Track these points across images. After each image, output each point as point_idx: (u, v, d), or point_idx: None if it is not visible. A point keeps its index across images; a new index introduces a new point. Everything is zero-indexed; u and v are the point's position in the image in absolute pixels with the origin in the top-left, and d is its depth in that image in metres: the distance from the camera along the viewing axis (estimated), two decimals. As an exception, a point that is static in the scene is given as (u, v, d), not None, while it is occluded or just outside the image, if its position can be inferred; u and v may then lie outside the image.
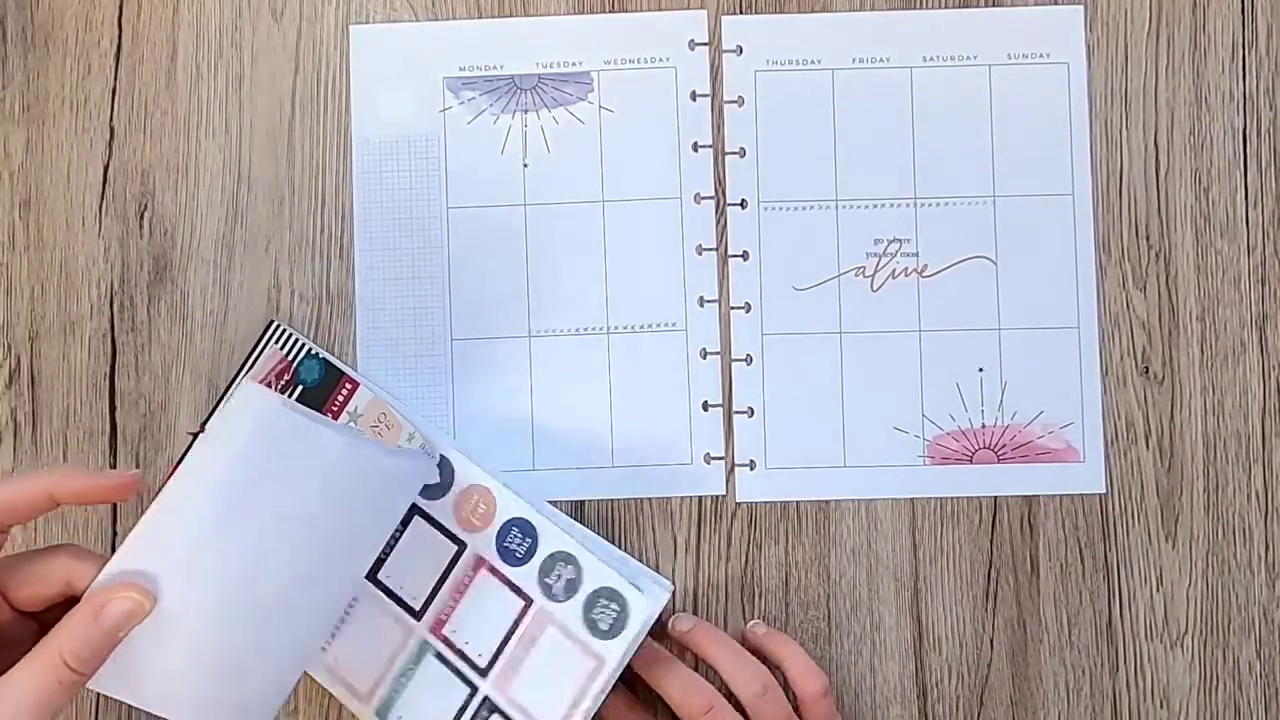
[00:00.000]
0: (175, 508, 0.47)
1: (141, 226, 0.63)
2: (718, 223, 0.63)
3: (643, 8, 0.63)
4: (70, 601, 0.46)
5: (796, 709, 0.58)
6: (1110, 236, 0.63)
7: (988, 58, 0.63)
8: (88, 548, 0.51)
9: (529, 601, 0.57)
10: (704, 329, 0.63)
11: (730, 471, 0.62)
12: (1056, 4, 0.63)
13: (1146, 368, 0.62)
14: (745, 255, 0.63)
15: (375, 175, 0.63)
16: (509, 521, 0.58)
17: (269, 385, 0.60)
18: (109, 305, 0.62)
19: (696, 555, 0.62)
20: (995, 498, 0.62)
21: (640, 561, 0.61)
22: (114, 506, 0.61)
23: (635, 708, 0.58)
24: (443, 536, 0.58)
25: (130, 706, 0.60)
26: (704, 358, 0.62)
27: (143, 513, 0.47)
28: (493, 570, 0.58)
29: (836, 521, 0.62)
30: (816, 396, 0.62)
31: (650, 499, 0.62)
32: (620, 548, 0.61)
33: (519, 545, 0.58)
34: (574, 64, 0.63)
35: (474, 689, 0.57)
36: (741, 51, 0.63)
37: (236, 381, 0.61)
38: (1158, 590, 0.61)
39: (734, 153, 0.63)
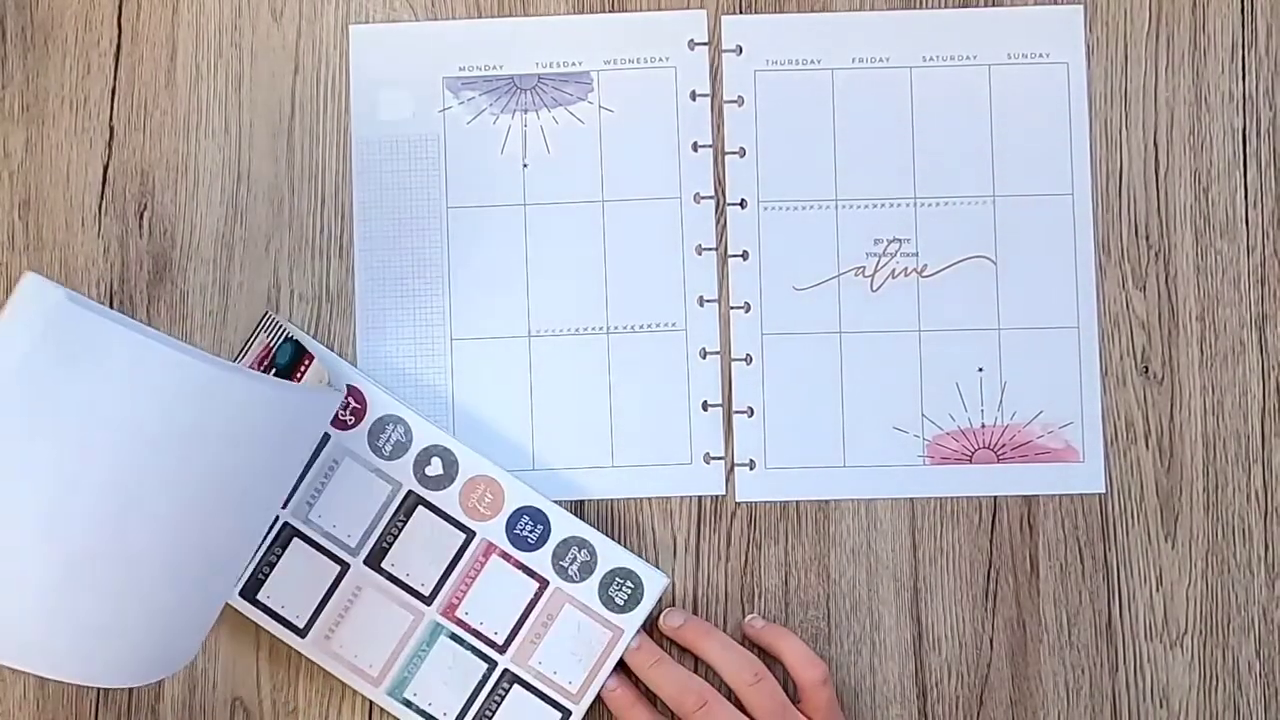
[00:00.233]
0: None
1: (141, 226, 0.63)
2: (717, 222, 0.63)
3: (643, 8, 0.63)
4: None
5: (796, 701, 0.58)
6: (1110, 236, 0.63)
7: (988, 58, 0.63)
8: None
9: (544, 583, 0.59)
10: (704, 329, 0.63)
11: (730, 471, 0.62)
12: (1056, 4, 0.63)
13: (1146, 368, 0.62)
14: (745, 255, 0.63)
15: (375, 175, 0.63)
16: (519, 510, 0.59)
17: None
18: (109, 305, 0.62)
19: (696, 555, 0.62)
20: (995, 498, 0.62)
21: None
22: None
23: (641, 702, 0.58)
24: (450, 525, 0.59)
25: (129, 703, 0.60)
26: (704, 358, 0.63)
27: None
28: (504, 556, 0.59)
29: (836, 521, 0.62)
30: (816, 396, 0.62)
31: (650, 499, 0.62)
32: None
33: (530, 532, 0.59)
34: (574, 64, 0.63)
35: (493, 664, 0.59)
36: (741, 51, 0.63)
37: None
38: (1157, 590, 0.61)
39: (734, 153, 0.63)
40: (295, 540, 0.59)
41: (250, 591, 0.59)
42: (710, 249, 0.63)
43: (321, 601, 0.59)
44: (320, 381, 0.59)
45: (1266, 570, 0.61)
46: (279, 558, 0.59)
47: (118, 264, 0.62)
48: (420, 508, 0.59)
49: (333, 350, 0.61)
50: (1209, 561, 0.61)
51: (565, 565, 0.59)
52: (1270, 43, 0.63)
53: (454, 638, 0.59)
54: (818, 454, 0.62)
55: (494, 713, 0.58)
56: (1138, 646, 0.61)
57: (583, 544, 0.59)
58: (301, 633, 0.59)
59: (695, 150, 0.63)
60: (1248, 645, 0.61)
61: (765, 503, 0.62)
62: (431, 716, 0.58)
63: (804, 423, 0.62)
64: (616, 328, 0.63)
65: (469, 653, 0.59)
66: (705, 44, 0.63)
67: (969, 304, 0.63)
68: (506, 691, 0.58)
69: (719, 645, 0.58)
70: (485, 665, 0.58)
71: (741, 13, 0.63)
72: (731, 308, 0.63)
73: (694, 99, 0.63)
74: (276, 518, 0.59)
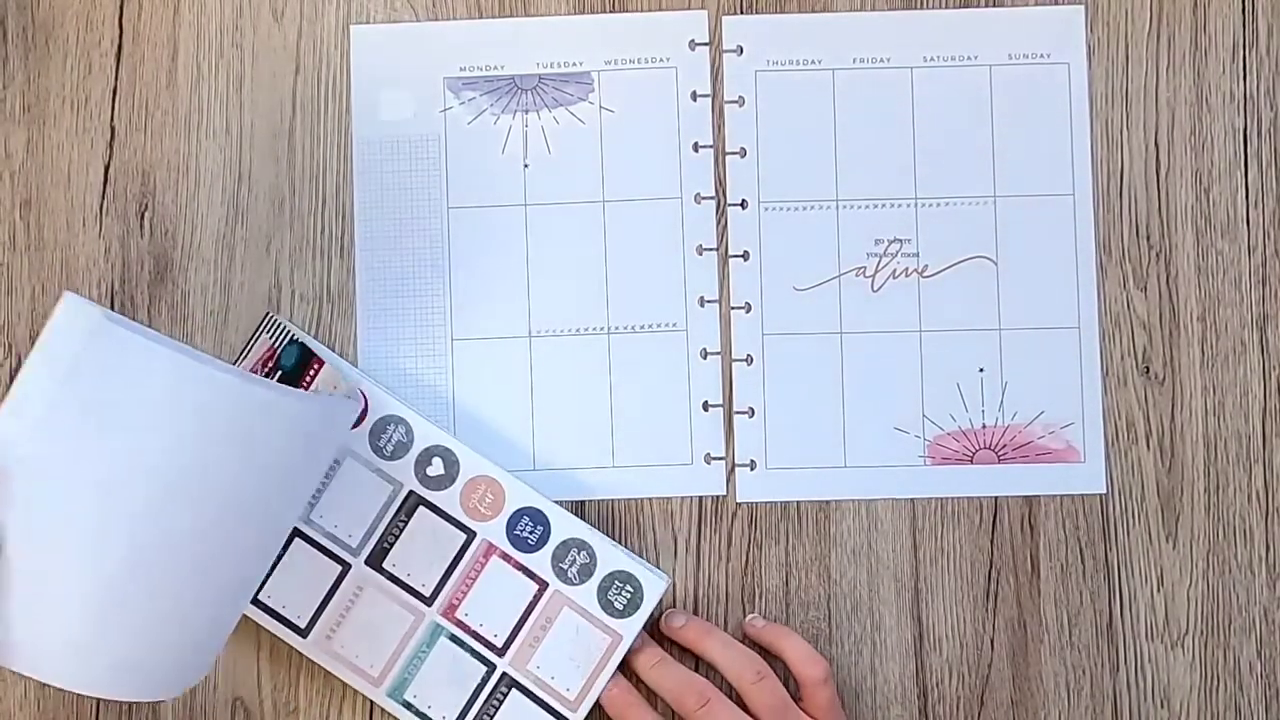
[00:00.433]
0: None
1: (142, 226, 0.63)
2: (718, 223, 0.63)
3: (643, 8, 0.64)
4: None
5: (798, 699, 0.58)
6: (1110, 236, 0.63)
7: (988, 58, 0.63)
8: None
9: (544, 585, 0.59)
10: (704, 329, 0.63)
11: (730, 471, 0.62)
12: (1056, 4, 0.63)
13: (1147, 368, 0.62)
14: (745, 255, 0.63)
15: (375, 175, 0.63)
16: (519, 511, 0.59)
17: (255, 374, 0.60)
18: (109, 305, 0.62)
19: (697, 555, 0.62)
20: (995, 498, 0.62)
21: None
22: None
23: (639, 702, 0.58)
24: (450, 525, 0.59)
25: (131, 705, 0.60)
26: (704, 358, 0.62)
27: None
28: (504, 556, 0.59)
29: (837, 521, 0.62)
30: (817, 396, 0.62)
31: (650, 499, 0.62)
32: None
33: (530, 533, 0.59)
34: (574, 64, 0.63)
35: (491, 666, 0.58)
36: (742, 51, 0.63)
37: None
38: (1158, 590, 0.61)
39: (734, 153, 0.63)
40: (296, 540, 0.59)
41: None
42: (711, 249, 0.63)
43: (323, 602, 0.59)
44: (334, 388, 0.58)
45: (1267, 570, 0.61)
46: (280, 558, 0.59)
47: (119, 264, 0.62)
48: (421, 508, 0.59)
49: (333, 350, 0.61)
50: (1210, 562, 0.61)
51: (565, 567, 0.59)
52: (1271, 43, 0.63)
53: (454, 639, 0.59)
54: (818, 454, 0.62)
55: (491, 717, 0.58)
56: (1138, 647, 0.61)
57: (582, 546, 0.59)
58: (303, 633, 0.59)
59: (696, 150, 0.63)
60: (1249, 646, 0.61)
61: (766, 503, 0.62)
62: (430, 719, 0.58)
63: (805, 423, 0.62)
64: (617, 328, 0.63)
65: (468, 655, 0.59)
66: (706, 44, 0.64)
67: (970, 304, 0.63)
68: (504, 696, 0.58)
69: (721, 644, 0.59)
70: (484, 668, 0.58)
71: (742, 13, 0.64)
72: (732, 308, 0.63)
73: (695, 99, 0.63)
74: None
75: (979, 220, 0.63)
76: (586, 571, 0.59)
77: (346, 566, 0.59)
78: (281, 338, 0.60)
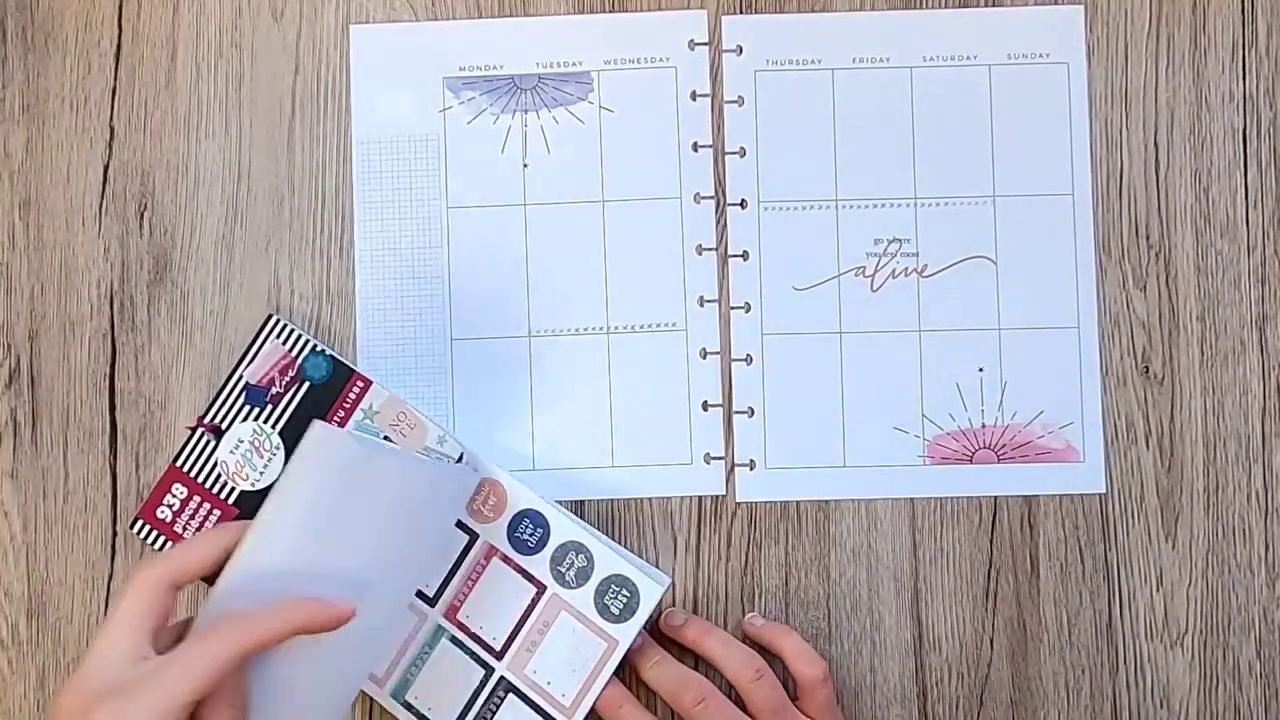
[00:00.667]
0: (263, 544, 0.49)
1: (141, 226, 0.63)
2: (718, 223, 0.63)
3: (643, 8, 0.63)
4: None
5: (795, 698, 0.58)
6: (1110, 236, 0.63)
7: (988, 58, 0.63)
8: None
9: (542, 588, 0.59)
10: (704, 329, 0.63)
11: (730, 471, 0.62)
12: (1056, 4, 0.63)
13: (1146, 368, 0.62)
14: (745, 255, 0.63)
15: (375, 175, 0.63)
16: (520, 513, 0.59)
17: (272, 381, 0.60)
18: (109, 305, 0.62)
19: (696, 555, 0.62)
20: (995, 498, 0.62)
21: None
22: (114, 511, 0.61)
23: (630, 701, 0.58)
24: (455, 528, 0.59)
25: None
26: (704, 358, 0.63)
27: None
28: (505, 559, 0.59)
29: (836, 521, 0.62)
30: (816, 396, 0.62)
31: (650, 499, 0.62)
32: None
33: (530, 535, 0.59)
34: (574, 64, 0.63)
35: (490, 670, 0.58)
36: (741, 51, 0.63)
37: (236, 375, 0.61)
38: (1158, 590, 0.61)
39: (734, 153, 0.63)
40: None
41: None
42: (710, 249, 0.63)
43: None
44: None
45: (1267, 570, 0.61)
46: None
47: (118, 264, 0.62)
48: None
49: (333, 350, 0.61)
50: (1209, 561, 0.61)
51: (563, 570, 0.59)
52: (1270, 43, 0.63)
53: (455, 641, 0.59)
54: (818, 454, 0.62)
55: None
56: (1138, 646, 0.61)
57: (580, 549, 0.59)
58: None
59: (695, 150, 0.63)
60: (1248, 645, 0.61)
61: (765, 503, 0.62)
62: None
63: (804, 423, 0.62)
64: (616, 328, 0.63)
65: (467, 657, 0.58)
66: (705, 44, 0.63)
67: (969, 304, 0.63)
68: (501, 701, 0.58)
69: (720, 643, 0.59)
70: (483, 671, 0.58)
71: (741, 13, 0.64)
72: (732, 308, 0.63)
73: (694, 99, 0.63)
74: None
75: (978, 220, 0.63)
76: (584, 575, 0.58)
77: None
78: (301, 346, 0.60)
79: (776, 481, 0.62)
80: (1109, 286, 0.63)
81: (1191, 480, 0.62)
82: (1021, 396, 0.62)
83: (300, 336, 0.60)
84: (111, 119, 0.63)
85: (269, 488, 0.60)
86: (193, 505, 0.60)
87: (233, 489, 0.60)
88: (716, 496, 0.62)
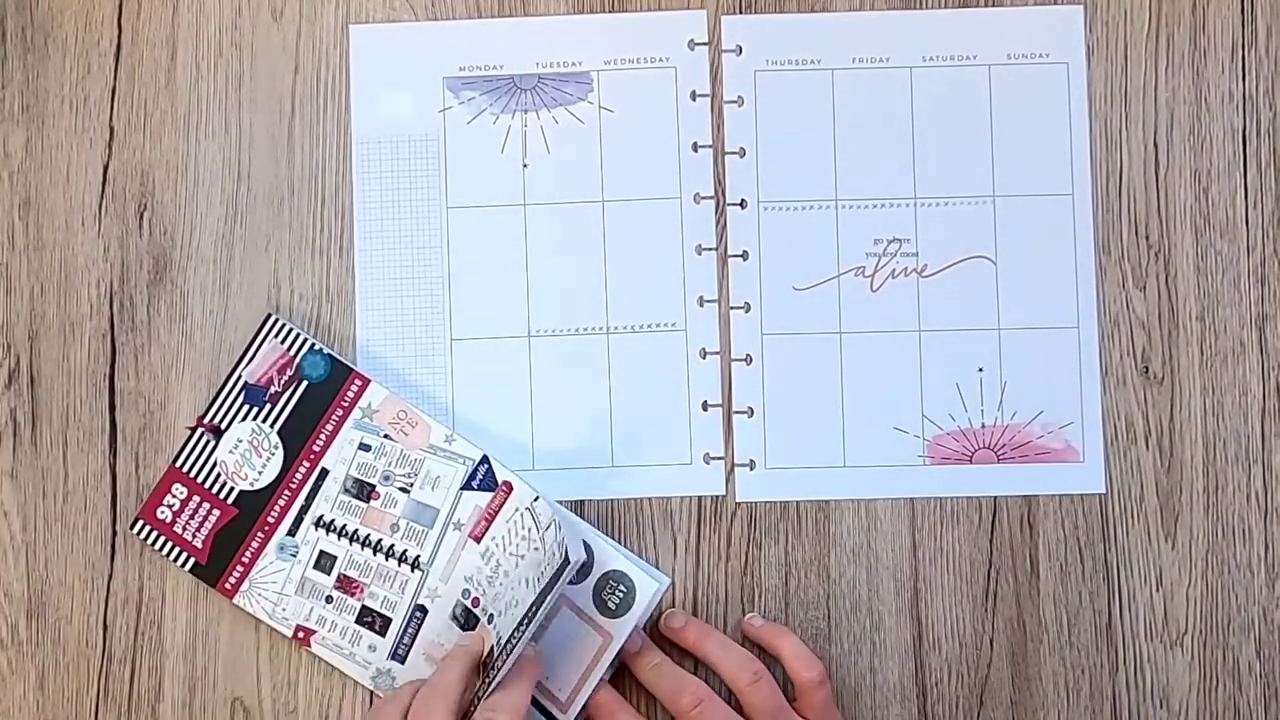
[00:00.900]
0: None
1: (141, 226, 0.63)
2: (717, 223, 0.63)
3: (643, 8, 0.63)
4: None
5: (793, 700, 0.58)
6: (1110, 236, 0.63)
7: (988, 58, 0.63)
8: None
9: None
10: (704, 329, 0.63)
11: (730, 471, 0.62)
12: (1056, 4, 0.63)
13: (1146, 368, 0.62)
14: (745, 255, 0.63)
15: (375, 175, 0.63)
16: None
17: (270, 380, 0.60)
18: (109, 305, 0.62)
19: (696, 555, 0.62)
20: (995, 498, 0.62)
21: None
22: (113, 512, 0.61)
23: (624, 708, 0.58)
24: None
25: (129, 703, 0.60)
26: (704, 358, 0.62)
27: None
28: None
29: (836, 521, 0.62)
30: (816, 396, 0.62)
31: (650, 499, 0.62)
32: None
33: None
34: (574, 64, 0.63)
35: (494, 667, 0.58)
36: (741, 51, 0.63)
37: (235, 375, 0.61)
38: (1157, 590, 0.61)
39: (734, 153, 0.63)
40: None
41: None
42: (710, 249, 0.63)
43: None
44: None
45: (1266, 570, 0.61)
46: None
47: (118, 264, 0.62)
48: None
49: (333, 350, 0.61)
50: (1209, 562, 0.61)
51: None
52: (1270, 43, 0.63)
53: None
54: (818, 454, 0.62)
55: None
56: (1138, 646, 0.61)
57: (585, 547, 0.59)
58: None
59: (695, 150, 0.63)
60: (1248, 645, 0.61)
61: (765, 503, 0.62)
62: None
63: (804, 423, 0.62)
64: (616, 328, 0.63)
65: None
66: (705, 44, 0.63)
67: (969, 304, 0.63)
68: None
69: (718, 646, 0.59)
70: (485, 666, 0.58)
71: (741, 13, 0.63)
72: (731, 308, 0.63)
73: (694, 99, 0.63)
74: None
75: (978, 220, 0.63)
76: (585, 570, 0.59)
77: None
78: (299, 345, 0.60)
79: (776, 481, 0.62)
80: (1109, 286, 0.63)
81: (1191, 480, 0.62)
82: (1021, 396, 0.62)
83: (298, 335, 0.61)
84: (111, 119, 0.63)
85: (268, 487, 0.60)
86: (192, 505, 0.60)
87: (232, 489, 0.60)
88: (716, 496, 0.62)
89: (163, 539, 0.60)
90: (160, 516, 0.60)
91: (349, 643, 0.59)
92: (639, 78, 0.63)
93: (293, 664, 0.60)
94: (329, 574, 0.60)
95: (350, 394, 0.60)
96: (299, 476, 0.60)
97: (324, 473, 0.60)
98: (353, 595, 0.59)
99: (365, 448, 0.60)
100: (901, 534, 0.62)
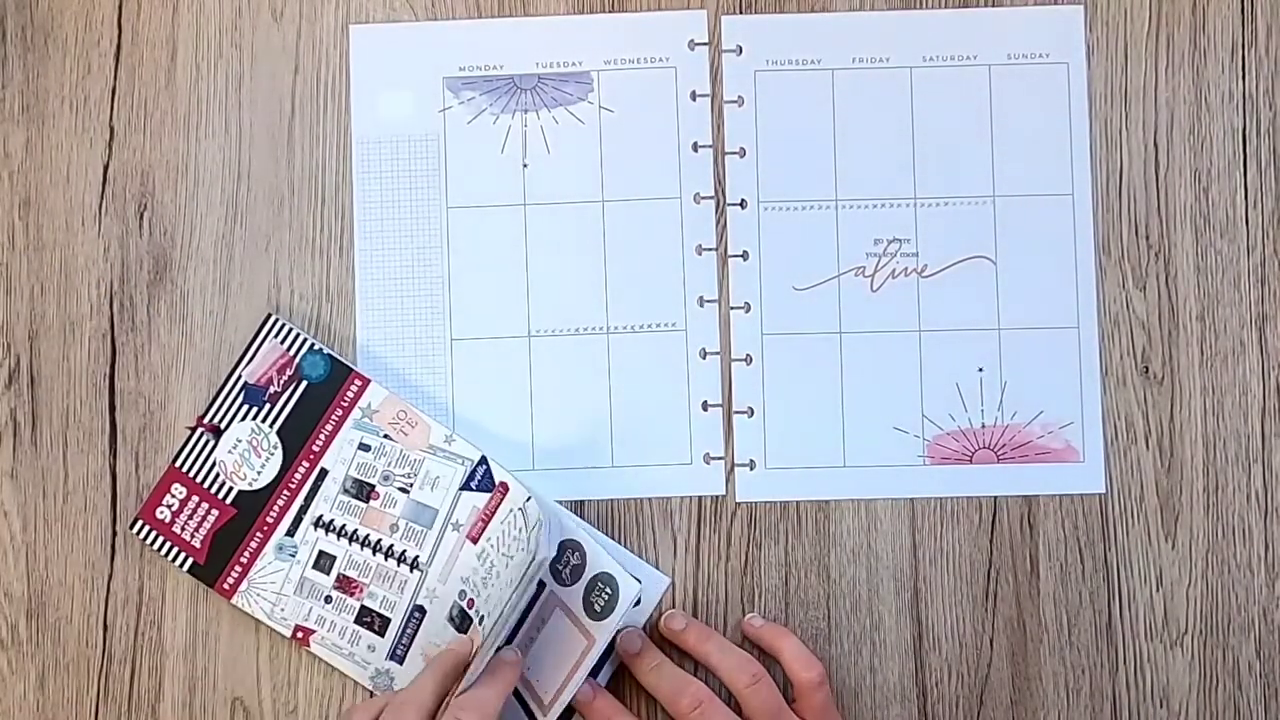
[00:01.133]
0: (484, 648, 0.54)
1: (141, 226, 0.63)
2: (718, 223, 0.63)
3: (643, 8, 0.63)
4: None
5: (792, 700, 0.58)
6: (1110, 236, 0.63)
7: (988, 58, 0.63)
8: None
9: (542, 586, 0.59)
10: (704, 329, 0.63)
11: (730, 471, 0.62)
12: (1056, 4, 0.63)
13: (1146, 368, 0.62)
14: (745, 255, 0.63)
15: (375, 175, 0.63)
16: None
17: (270, 380, 0.60)
18: (109, 305, 0.62)
19: (696, 555, 0.62)
20: (995, 498, 0.62)
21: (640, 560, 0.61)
22: (113, 512, 0.61)
23: (621, 713, 0.58)
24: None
25: (129, 703, 0.60)
26: (704, 358, 0.62)
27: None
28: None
29: (836, 521, 0.62)
30: (816, 396, 0.62)
31: (650, 499, 0.62)
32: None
33: None
34: (574, 64, 0.63)
35: None
36: (741, 51, 0.63)
37: (235, 375, 0.61)
38: (1157, 590, 0.61)
39: (734, 153, 0.63)
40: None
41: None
42: (710, 249, 0.63)
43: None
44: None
45: (1266, 570, 0.61)
46: None
47: (118, 264, 0.62)
48: None
49: (333, 350, 0.61)
50: (1209, 561, 0.61)
51: (560, 568, 0.59)
52: (1270, 43, 0.63)
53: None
54: (818, 454, 0.62)
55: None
56: (1138, 646, 0.61)
57: (576, 547, 0.59)
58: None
59: (695, 150, 0.63)
60: (1248, 645, 0.61)
61: (765, 503, 0.62)
62: None
63: (804, 423, 0.62)
64: (616, 328, 0.63)
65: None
66: (705, 44, 0.63)
67: (969, 304, 0.63)
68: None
69: (718, 649, 0.58)
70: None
71: (741, 13, 0.63)
72: (731, 308, 0.63)
73: (694, 99, 0.63)
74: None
75: (978, 220, 0.63)
76: (578, 572, 0.58)
77: None
78: (298, 345, 0.60)
79: (776, 481, 0.62)
80: (1109, 286, 0.63)
81: (1191, 480, 0.62)
82: (1021, 396, 0.62)
83: (298, 335, 0.61)
84: (111, 119, 0.63)
85: (267, 487, 0.60)
86: (191, 505, 0.60)
87: (231, 489, 0.60)
88: (716, 496, 0.62)
89: (161, 539, 0.60)
90: (159, 516, 0.60)
91: (348, 643, 0.59)
92: (639, 78, 0.63)
93: (293, 664, 0.60)
94: (328, 574, 0.60)
95: (350, 394, 0.60)
96: (298, 476, 0.60)
97: (323, 473, 0.60)
98: (352, 595, 0.59)
99: (365, 448, 0.60)
100: (901, 534, 0.62)
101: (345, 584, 0.60)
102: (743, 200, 0.63)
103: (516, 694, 0.58)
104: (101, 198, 0.63)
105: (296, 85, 0.63)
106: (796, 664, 0.58)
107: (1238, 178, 0.63)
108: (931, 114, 0.63)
